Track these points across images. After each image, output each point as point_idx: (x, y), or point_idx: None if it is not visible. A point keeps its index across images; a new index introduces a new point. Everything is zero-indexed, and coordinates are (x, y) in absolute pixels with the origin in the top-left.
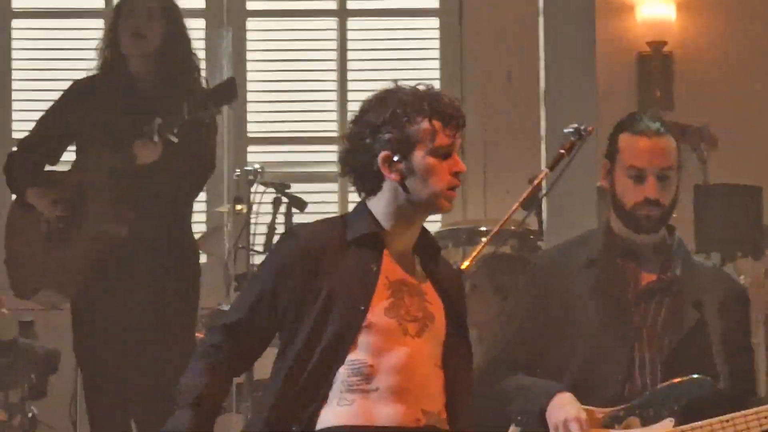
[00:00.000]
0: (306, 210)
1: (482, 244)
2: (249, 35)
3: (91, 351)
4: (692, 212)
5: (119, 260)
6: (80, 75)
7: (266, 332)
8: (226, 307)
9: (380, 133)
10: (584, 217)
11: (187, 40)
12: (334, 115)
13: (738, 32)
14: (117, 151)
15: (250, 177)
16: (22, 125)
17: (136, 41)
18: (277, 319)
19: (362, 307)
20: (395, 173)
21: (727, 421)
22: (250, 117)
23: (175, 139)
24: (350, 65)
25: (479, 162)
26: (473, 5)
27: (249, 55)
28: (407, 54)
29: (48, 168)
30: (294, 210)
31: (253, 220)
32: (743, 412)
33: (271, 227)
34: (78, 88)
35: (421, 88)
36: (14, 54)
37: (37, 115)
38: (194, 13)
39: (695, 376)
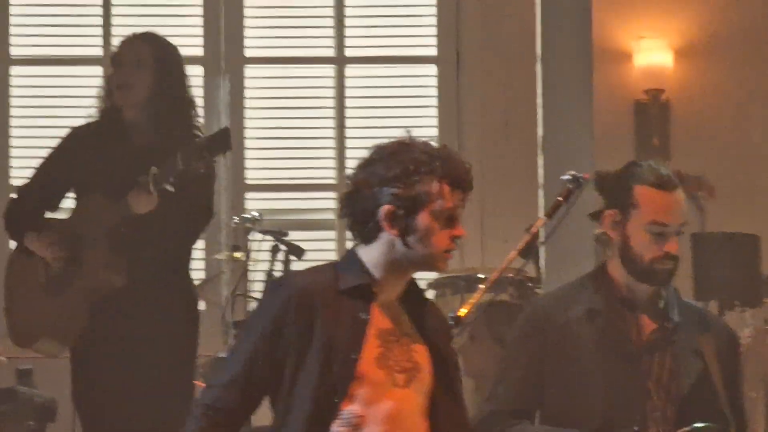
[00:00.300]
0: (304, 257)
1: (480, 291)
2: (247, 82)
3: (90, 400)
4: (690, 261)
5: (117, 309)
6: (78, 123)
7: (265, 384)
8: (224, 355)
9: (388, 186)
10: (582, 265)
11: (181, 89)
12: (331, 163)
13: (736, 80)
14: (114, 200)
15: (248, 224)
16: (20, 172)
17: (123, 91)
18: (275, 369)
19: (354, 357)
20: (396, 229)
21: None
22: (248, 164)
23: (171, 189)
24: (348, 112)
25: (477, 210)
26: (471, 53)
27: (247, 102)
28: (405, 101)
29: (47, 215)
30: (292, 257)
31: (251, 268)
32: None
33: (269, 275)
34: (75, 136)
35: (434, 145)
36: (12, 101)
37: (36, 163)
38: (192, 61)
39: (701, 425)
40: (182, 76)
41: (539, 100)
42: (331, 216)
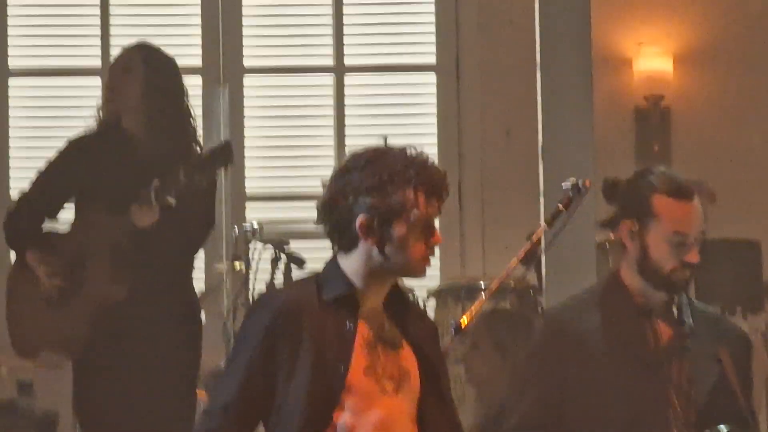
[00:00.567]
0: (305, 267)
1: (481, 300)
2: (246, 92)
3: (92, 412)
4: None
5: (119, 321)
6: (77, 133)
7: (262, 402)
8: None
9: (363, 196)
10: (584, 272)
11: (175, 96)
12: (331, 172)
13: (736, 86)
14: (115, 212)
15: (248, 235)
16: (19, 183)
17: (112, 96)
18: (270, 387)
19: (342, 368)
20: (372, 238)
21: None
22: (247, 174)
23: (173, 202)
24: (348, 121)
25: (478, 217)
26: (470, 61)
27: (246, 112)
28: (405, 110)
29: (48, 227)
30: (293, 267)
31: (251, 278)
32: None
33: (270, 285)
34: (74, 146)
35: (409, 153)
36: (11, 112)
37: (34, 173)
38: (191, 71)
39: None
40: (176, 84)
41: (539, 108)
42: None
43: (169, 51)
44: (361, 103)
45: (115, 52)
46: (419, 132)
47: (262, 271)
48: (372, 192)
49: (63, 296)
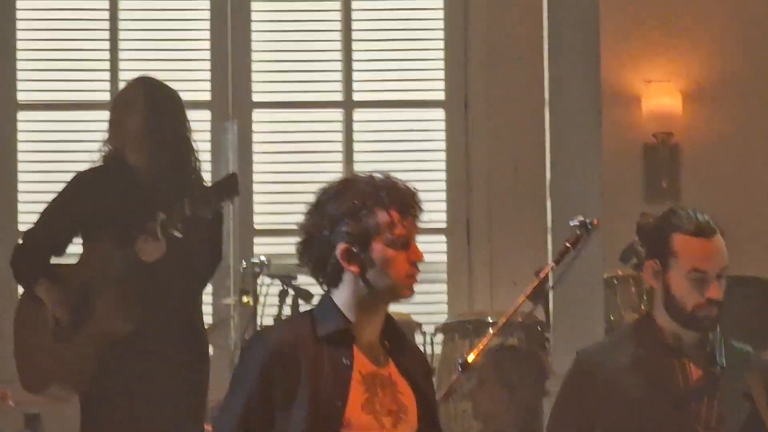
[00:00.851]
0: (312, 301)
1: (488, 336)
2: (255, 126)
3: None
4: None
5: (127, 355)
6: (84, 167)
7: None
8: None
9: (338, 225)
10: (591, 309)
11: (177, 130)
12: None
13: (745, 123)
14: (121, 246)
15: (257, 269)
16: (27, 217)
17: (115, 130)
18: (269, 421)
19: (339, 404)
20: (354, 265)
21: None
22: (255, 208)
23: (179, 235)
24: (356, 156)
25: (486, 253)
26: (479, 97)
27: (255, 147)
28: (413, 146)
29: (56, 260)
30: (300, 301)
31: (259, 312)
32: None
33: (278, 319)
34: (80, 180)
35: (377, 177)
36: (19, 146)
37: (42, 208)
38: (199, 105)
39: None
40: (178, 118)
41: (547, 144)
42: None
43: (178, 85)
44: (370, 139)
45: (123, 85)
46: (427, 168)
47: (270, 305)
48: (346, 219)
49: (70, 330)
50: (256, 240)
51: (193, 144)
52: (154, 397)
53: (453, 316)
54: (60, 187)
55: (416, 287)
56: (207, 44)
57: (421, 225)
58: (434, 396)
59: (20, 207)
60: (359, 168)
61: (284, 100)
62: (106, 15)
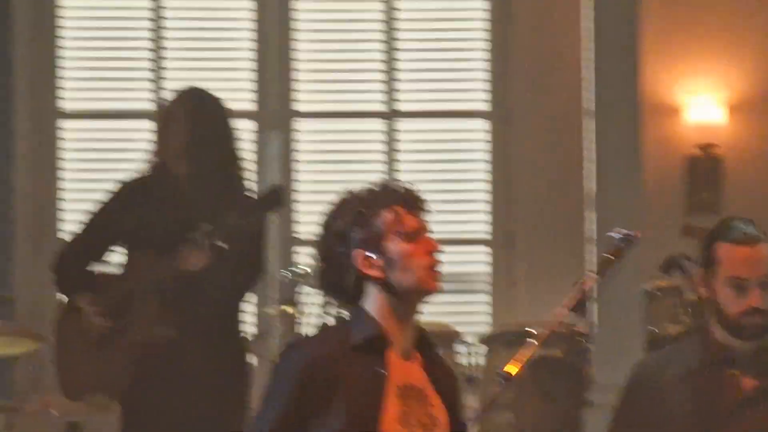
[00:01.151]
0: None
1: (530, 348)
2: (298, 136)
3: None
4: None
5: (168, 363)
6: (128, 176)
7: None
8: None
9: (349, 237)
10: (632, 321)
11: (220, 142)
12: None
13: None
14: (165, 255)
15: (300, 279)
16: (70, 226)
17: (159, 141)
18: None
19: (375, 417)
20: (375, 270)
21: None
22: (299, 218)
23: (223, 246)
24: (399, 166)
25: (528, 264)
26: (522, 107)
27: (298, 156)
28: (456, 156)
29: (98, 269)
30: (341, 311)
31: (301, 322)
32: None
33: (321, 328)
34: (124, 190)
35: (373, 184)
36: (62, 155)
37: (85, 216)
38: (244, 115)
39: None
40: (223, 129)
41: (587, 156)
42: None
43: (222, 95)
44: (413, 149)
45: (165, 95)
46: (470, 178)
47: (312, 315)
48: (354, 228)
49: (111, 338)
50: (299, 249)
51: (239, 154)
52: (194, 406)
53: (496, 327)
54: (102, 196)
55: (440, 282)
56: (251, 54)
57: (427, 221)
58: (462, 411)
59: (62, 215)
60: (401, 178)
61: (327, 110)
62: (150, 24)
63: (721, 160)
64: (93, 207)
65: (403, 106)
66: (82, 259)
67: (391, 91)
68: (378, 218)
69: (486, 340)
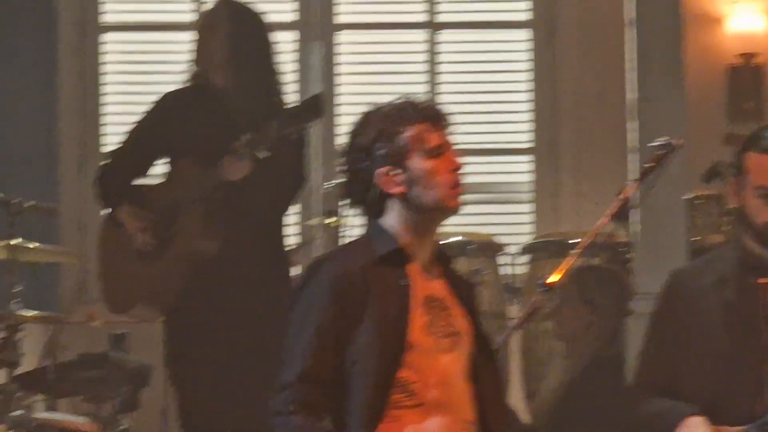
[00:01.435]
0: None
1: (571, 257)
2: (340, 48)
3: (184, 366)
4: None
5: (211, 275)
6: (170, 88)
7: (336, 364)
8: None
9: (373, 152)
10: (674, 230)
11: (261, 54)
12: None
13: None
14: (206, 166)
15: (342, 190)
16: (113, 139)
17: (199, 53)
18: (342, 346)
19: (403, 326)
20: (398, 186)
21: None
22: (340, 130)
23: (265, 155)
24: (440, 78)
25: (571, 174)
26: (565, 17)
27: (340, 68)
28: (499, 66)
29: (139, 181)
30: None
31: (344, 233)
32: None
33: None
34: (167, 102)
35: (398, 100)
36: (104, 68)
37: (128, 129)
38: (286, 26)
39: None
40: (262, 40)
41: (629, 65)
42: None
43: (263, 7)
44: (455, 60)
45: (207, 6)
46: (513, 89)
47: (354, 226)
48: (379, 143)
49: (154, 251)
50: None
51: (277, 66)
52: (237, 318)
53: (538, 236)
54: (145, 108)
55: (461, 199)
56: None
57: (452, 137)
58: (481, 322)
59: (105, 129)
60: (443, 89)
61: (369, 21)
62: None
63: (762, 69)
64: (135, 120)
65: (444, 18)
66: (124, 173)
67: (433, 1)
68: (401, 135)
69: (528, 249)
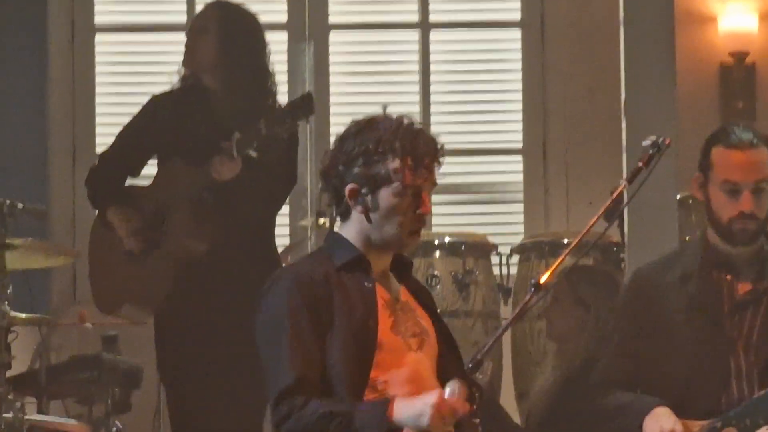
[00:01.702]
0: None
1: (562, 257)
2: (331, 48)
3: (174, 366)
4: None
5: (201, 276)
6: (162, 89)
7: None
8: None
9: (352, 164)
10: (666, 229)
11: (252, 55)
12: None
13: None
14: (196, 166)
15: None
16: (105, 140)
17: (188, 56)
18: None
19: (373, 324)
20: (360, 206)
21: None
22: (332, 130)
23: (254, 155)
24: (432, 77)
25: (561, 173)
26: (555, 17)
27: (331, 68)
28: (489, 66)
29: (129, 182)
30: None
31: None
32: None
33: None
34: (156, 103)
35: (405, 122)
36: (97, 68)
37: (118, 131)
38: (276, 27)
39: None
40: (254, 41)
41: (621, 64)
42: None
43: (255, 7)
44: (446, 59)
45: (200, 7)
46: (503, 88)
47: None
48: (359, 160)
49: (144, 251)
50: None
51: (270, 66)
52: (227, 318)
53: (529, 236)
54: (136, 109)
55: (415, 244)
56: None
57: (437, 178)
58: (444, 324)
59: (98, 129)
60: (435, 89)
61: (360, 21)
62: None
63: (754, 68)
64: (126, 121)
65: (436, 17)
66: (115, 173)
67: (424, 1)
68: (384, 164)
69: (519, 249)
